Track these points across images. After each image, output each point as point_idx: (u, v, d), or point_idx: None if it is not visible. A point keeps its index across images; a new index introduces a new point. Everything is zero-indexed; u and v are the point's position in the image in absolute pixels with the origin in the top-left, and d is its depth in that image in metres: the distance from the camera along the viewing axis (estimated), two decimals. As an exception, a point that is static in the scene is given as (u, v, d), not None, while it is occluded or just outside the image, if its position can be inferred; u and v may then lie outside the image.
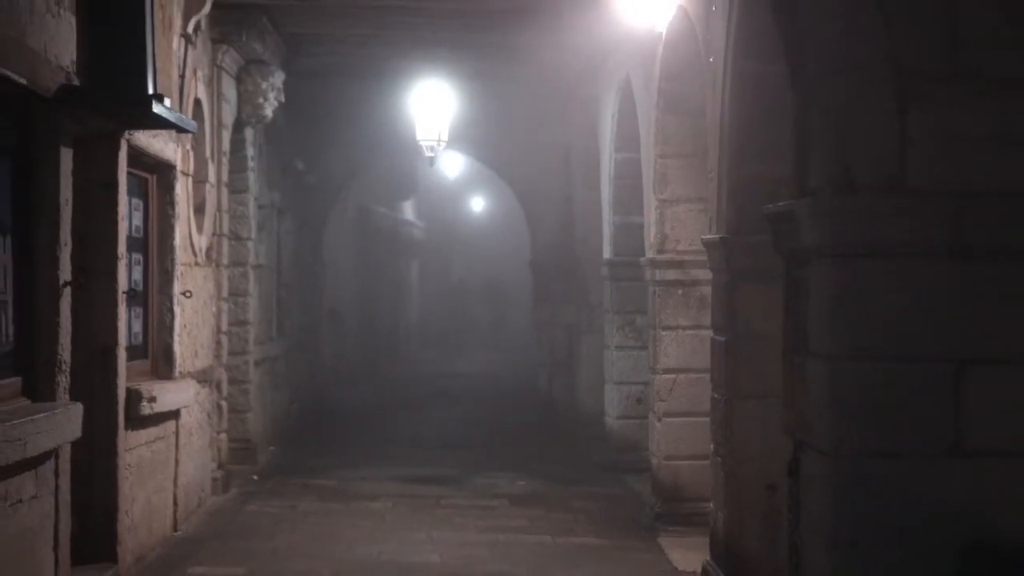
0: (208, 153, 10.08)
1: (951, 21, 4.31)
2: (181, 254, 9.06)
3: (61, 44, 6.39)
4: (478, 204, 35.56)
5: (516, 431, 15.44)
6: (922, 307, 4.31)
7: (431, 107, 13.14)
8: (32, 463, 5.93)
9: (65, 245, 6.45)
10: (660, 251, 9.75)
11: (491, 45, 12.35)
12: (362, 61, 13.42)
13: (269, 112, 11.74)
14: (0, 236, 6.04)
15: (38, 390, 6.30)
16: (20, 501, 5.86)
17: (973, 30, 4.32)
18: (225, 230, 10.89)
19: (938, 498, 4.29)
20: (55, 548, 6.33)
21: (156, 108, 6.70)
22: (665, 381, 9.68)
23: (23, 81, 5.78)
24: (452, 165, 24.80)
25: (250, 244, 11.90)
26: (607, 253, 12.75)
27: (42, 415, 5.96)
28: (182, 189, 9.13)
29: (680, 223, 9.67)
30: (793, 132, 4.77)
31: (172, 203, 8.83)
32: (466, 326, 33.68)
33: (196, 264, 9.72)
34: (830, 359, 4.42)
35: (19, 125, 6.18)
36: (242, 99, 11.41)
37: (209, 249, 10.23)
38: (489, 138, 16.60)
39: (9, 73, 5.62)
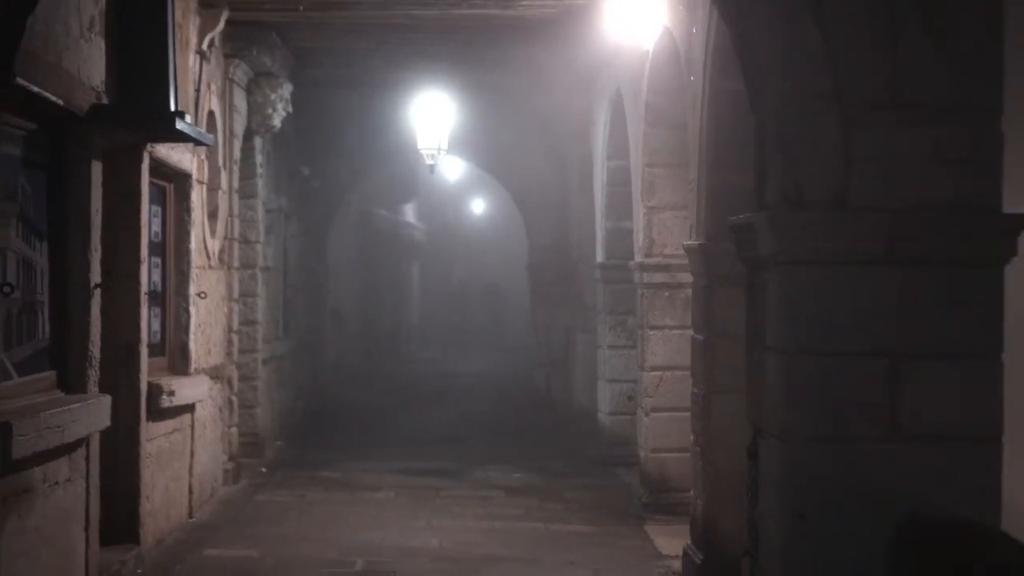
0: (221, 162, 10.65)
1: (890, 56, 4.88)
2: (196, 257, 9.63)
3: (92, 66, 6.97)
4: (478, 207, 36.11)
5: (513, 428, 15.99)
6: (863, 308, 4.87)
7: (432, 117, 13.73)
8: (67, 449, 6.51)
9: (96, 250, 7.02)
10: (648, 255, 10.32)
11: (490, 59, 12.93)
12: (365, 72, 14.01)
13: (277, 122, 12.31)
14: (37, 242, 6.61)
15: (71, 383, 6.88)
16: (57, 483, 6.44)
17: (910, 64, 4.88)
18: (236, 234, 11.45)
19: (877, 477, 4.85)
20: (86, 528, 6.91)
21: (179, 125, 7.29)
22: (652, 378, 10.24)
23: (60, 102, 6.35)
24: (452, 169, 25.35)
25: (259, 247, 12.47)
26: (600, 256, 13.30)
27: (76, 405, 6.55)
28: (197, 196, 9.70)
29: (667, 229, 10.22)
30: (754, 152, 5.35)
31: (188, 210, 9.41)
32: (466, 327, 34.22)
33: (209, 267, 10.29)
34: (783, 354, 4.98)
35: (55, 141, 6.74)
36: (252, 109, 11.98)
37: (221, 252, 10.79)
38: (488, 145, 17.21)
39: (48, 95, 6.19)
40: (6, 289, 5.75)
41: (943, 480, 4.86)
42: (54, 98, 6.25)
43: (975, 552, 4.57)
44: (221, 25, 9.88)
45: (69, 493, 6.65)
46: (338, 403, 18.10)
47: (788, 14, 4.91)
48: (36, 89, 5.93)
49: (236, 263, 11.51)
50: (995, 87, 4.94)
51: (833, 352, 4.88)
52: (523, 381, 20.57)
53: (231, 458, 11.28)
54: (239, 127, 11.54)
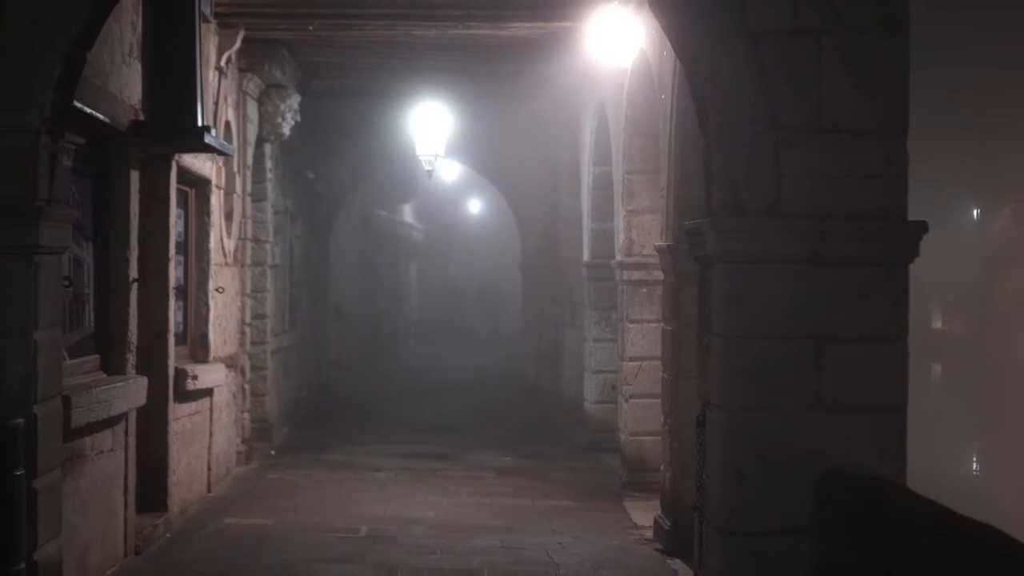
0: (236, 168, 11.58)
1: (815, 90, 5.81)
2: (215, 255, 10.57)
3: (132, 87, 7.92)
4: (475, 207, 37.05)
5: (505, 416, 16.95)
6: (790, 300, 5.79)
7: (430, 125, 14.68)
8: (112, 422, 7.46)
9: (134, 250, 7.98)
10: (628, 255, 11.27)
11: (484, 72, 13.87)
12: (368, 83, 14.96)
13: (286, 130, 13.25)
14: (85, 242, 7.56)
15: (112, 365, 7.83)
16: (102, 452, 7.39)
17: (831, 96, 5.82)
18: (248, 234, 12.39)
19: (803, 441, 5.77)
20: (125, 493, 7.86)
21: (207, 138, 8.24)
22: (631, 367, 11.19)
23: (107, 120, 7.30)
24: (449, 171, 26.25)
25: (268, 246, 13.40)
26: (586, 256, 14.25)
27: (119, 384, 7.51)
28: (216, 200, 10.64)
29: (644, 230, 11.17)
30: (703, 168, 6.29)
31: (208, 212, 10.34)
32: (462, 324, 35.18)
33: (226, 264, 11.23)
34: (726, 338, 5.91)
35: (99, 153, 7.69)
36: (263, 119, 12.91)
37: (236, 251, 11.73)
38: (483, 150, 18.14)
39: (96, 114, 7.14)
40: (65, 283, 6.68)
41: (857, 443, 5.79)
42: (102, 117, 7.20)
43: (882, 502, 5.51)
44: (238, 44, 10.82)
45: (112, 462, 7.60)
46: (340, 394, 19.04)
47: (732, 56, 5.85)
48: (89, 110, 6.89)
49: (248, 261, 12.45)
50: (902, 115, 5.88)
51: (766, 336, 5.82)
52: (516, 374, 21.51)
53: (243, 441, 12.22)
54: (251, 135, 12.47)
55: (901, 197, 5.89)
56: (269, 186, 13.51)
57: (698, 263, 6.42)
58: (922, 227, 5.90)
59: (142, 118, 8.01)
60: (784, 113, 5.84)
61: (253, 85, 12.31)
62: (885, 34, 5.89)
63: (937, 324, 43.26)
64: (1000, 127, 43.88)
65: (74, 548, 6.75)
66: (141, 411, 8.26)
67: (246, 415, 12.34)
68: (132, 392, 7.74)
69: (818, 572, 5.73)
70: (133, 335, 7.99)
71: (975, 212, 53.55)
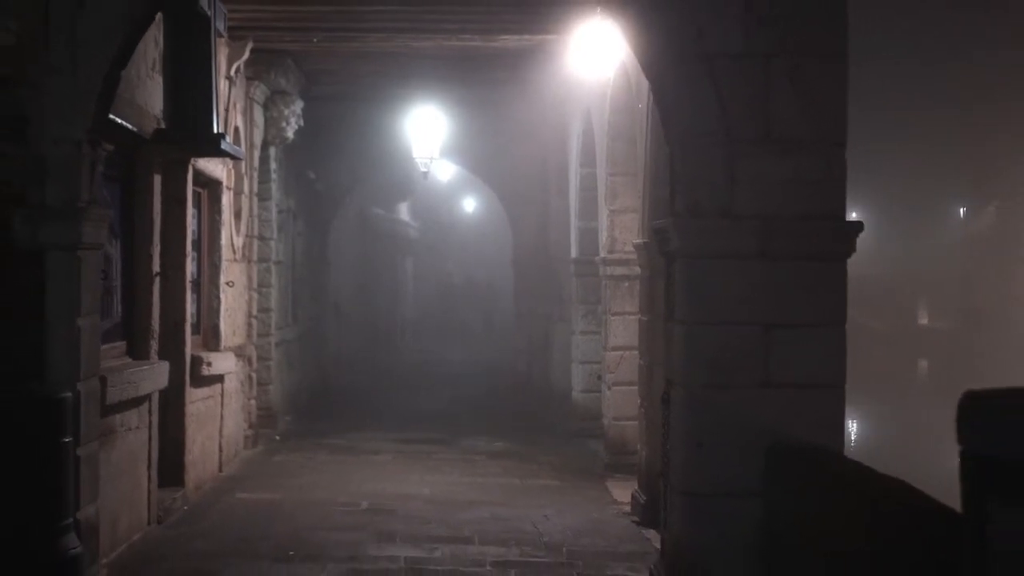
0: (244, 170, 12.37)
1: (764, 105, 6.60)
2: (225, 252, 11.36)
3: (154, 98, 8.72)
4: (469, 205, 37.89)
5: (498, 406, 17.77)
6: (743, 290, 6.58)
7: (425, 129, 15.49)
8: (138, 402, 8.26)
9: (156, 246, 8.78)
10: (610, 251, 12.07)
11: (478, 79, 14.67)
12: (368, 89, 15.77)
13: (290, 134, 14.05)
14: (113, 239, 8.35)
15: (137, 351, 8.63)
16: (130, 429, 8.19)
17: (778, 111, 6.62)
18: (255, 232, 13.18)
19: (754, 415, 6.56)
20: (148, 468, 8.66)
21: (223, 145, 9.03)
22: (614, 357, 11.98)
23: (134, 129, 8.09)
24: (445, 170, 27.04)
25: (272, 244, 14.19)
26: (573, 253, 15.04)
27: (145, 367, 8.31)
28: (226, 200, 11.43)
29: (626, 229, 11.95)
30: (668, 173, 7.10)
31: (219, 211, 11.14)
32: (458, 319, 36.00)
33: (235, 260, 12.02)
34: (686, 324, 6.70)
35: (126, 158, 8.49)
36: (268, 123, 13.71)
37: (244, 247, 12.52)
38: (477, 151, 18.91)
39: (126, 124, 7.93)
40: (101, 276, 7.47)
41: (801, 416, 6.58)
42: (130, 126, 8.00)
43: (821, 466, 6.32)
44: (246, 54, 11.62)
45: (138, 438, 8.40)
46: (339, 386, 19.84)
47: (690, 76, 6.65)
48: (120, 121, 7.68)
49: (255, 257, 13.24)
50: (842, 127, 6.69)
51: (721, 322, 6.62)
52: (508, 367, 22.27)
53: (250, 426, 13.01)
54: (258, 139, 13.27)
55: (840, 200, 6.69)
56: (274, 186, 14.29)
57: (664, 258, 7.23)
58: (858, 226, 6.70)
59: (164, 127, 8.80)
60: (737, 126, 6.64)
61: (260, 92, 13.10)
62: (826, 58, 6.70)
63: (923, 321, 44.18)
64: (987, 128, 44.73)
65: (107, 515, 7.52)
66: (161, 393, 9.05)
67: (253, 402, 13.13)
68: (156, 375, 8.54)
69: (766, 528, 6.54)
70: (155, 324, 8.79)
71: (961, 211, 54.34)
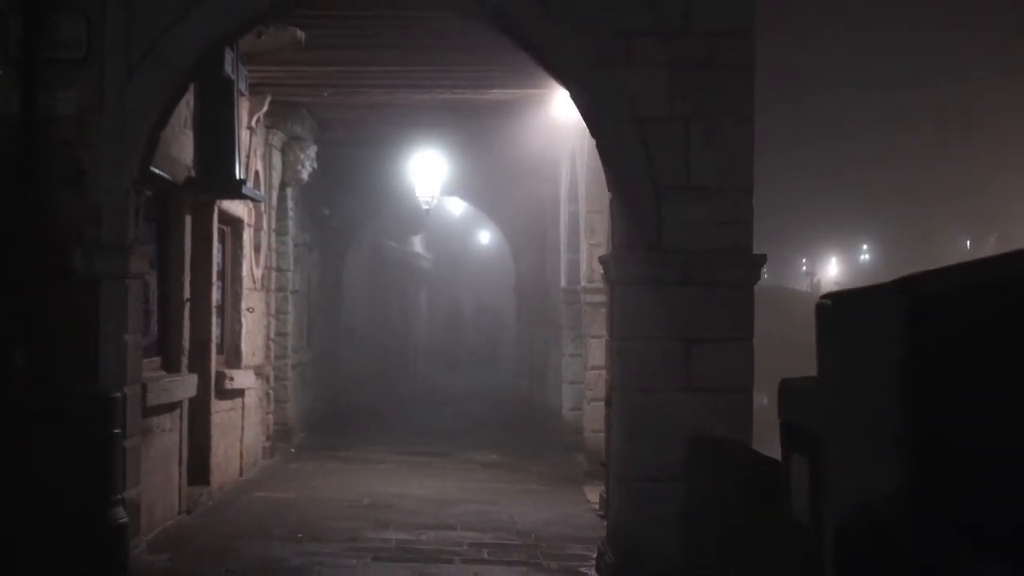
0: (263, 208, 13.91)
1: (684, 156, 8.07)
2: (246, 281, 12.87)
3: (186, 151, 10.26)
4: (483, 238, 39.38)
5: (497, 424, 19.21)
6: (668, 311, 8.01)
7: (426, 171, 17.06)
8: (171, 407, 9.76)
9: (186, 276, 10.30)
10: (589, 281, 13.52)
11: (476, 125, 16.22)
12: (375, 134, 17.36)
13: (305, 176, 15.59)
14: (152, 270, 9.86)
15: (170, 365, 10.13)
16: (164, 431, 9.68)
17: (695, 161, 8.10)
18: (273, 264, 14.70)
19: (676, 413, 7.98)
20: (179, 465, 10.15)
21: (244, 190, 10.58)
22: (593, 375, 13.42)
23: (169, 177, 9.63)
24: (456, 206, 28.62)
25: (289, 274, 15.70)
26: (563, 282, 16.49)
27: (177, 378, 9.82)
28: (247, 236, 12.96)
29: (601, 261, 13.39)
30: (610, 215, 8.58)
31: (241, 246, 12.66)
32: (467, 346, 37.46)
33: (255, 289, 13.54)
34: (621, 339, 8.17)
35: (161, 202, 10.02)
36: (285, 166, 15.26)
37: (263, 278, 14.04)
38: (481, 189, 20.45)
39: (162, 173, 9.47)
40: (143, 301, 8.99)
41: (716, 415, 8.02)
42: (166, 175, 9.53)
43: (731, 456, 7.74)
44: (265, 107, 13.18)
45: (171, 440, 9.89)
46: (351, 406, 21.29)
47: (624, 135, 8.13)
48: (158, 171, 9.22)
49: (273, 286, 14.76)
50: (748, 175, 8.14)
51: (649, 337, 8.08)
52: (511, 389, 23.75)
53: (268, 439, 14.48)
54: (276, 180, 14.81)
55: (748, 236, 8.14)
56: (291, 223, 15.82)
57: (607, 285, 8.70)
58: (762, 259, 8.16)
59: (193, 174, 10.34)
60: (663, 176, 8.12)
61: (277, 139, 14.65)
62: (737, 120, 8.17)
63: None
64: (988, 163, 45.93)
65: (145, 501, 9.00)
66: (190, 402, 10.54)
67: (270, 416, 14.61)
68: (186, 385, 10.05)
69: (686, 507, 7.96)
70: (186, 342, 10.30)
71: (967, 242, 55.72)
